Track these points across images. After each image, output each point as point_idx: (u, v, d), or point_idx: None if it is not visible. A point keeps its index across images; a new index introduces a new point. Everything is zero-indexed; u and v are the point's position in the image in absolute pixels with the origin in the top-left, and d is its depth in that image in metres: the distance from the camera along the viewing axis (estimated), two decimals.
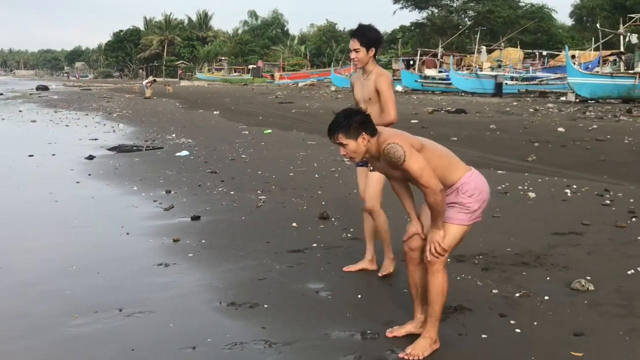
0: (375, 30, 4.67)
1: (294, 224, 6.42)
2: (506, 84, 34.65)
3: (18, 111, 25.21)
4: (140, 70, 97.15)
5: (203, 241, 5.88)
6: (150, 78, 39.10)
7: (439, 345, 3.50)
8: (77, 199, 8.03)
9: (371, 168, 4.62)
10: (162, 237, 6.06)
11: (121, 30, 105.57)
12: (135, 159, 11.50)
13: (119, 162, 11.05)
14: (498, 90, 33.19)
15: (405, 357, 3.42)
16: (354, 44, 4.58)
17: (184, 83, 69.11)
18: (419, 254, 3.57)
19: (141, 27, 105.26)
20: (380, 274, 4.85)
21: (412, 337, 3.60)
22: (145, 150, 12.73)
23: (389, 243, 4.91)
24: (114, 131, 16.90)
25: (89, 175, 9.67)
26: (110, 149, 12.68)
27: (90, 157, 11.41)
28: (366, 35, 4.59)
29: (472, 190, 3.40)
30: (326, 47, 77.10)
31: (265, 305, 4.22)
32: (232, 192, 8.19)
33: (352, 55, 4.62)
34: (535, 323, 3.83)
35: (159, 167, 10.43)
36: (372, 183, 4.76)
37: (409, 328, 3.71)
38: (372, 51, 4.60)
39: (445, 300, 3.50)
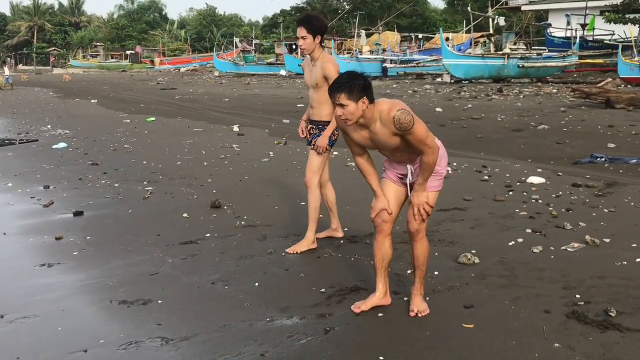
0: (320, 18, 4.92)
1: (185, 215, 6.27)
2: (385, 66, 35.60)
3: None
4: (9, 59, 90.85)
5: (88, 238, 5.60)
6: (6, 68, 36.47)
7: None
8: None
9: (312, 146, 4.94)
10: (42, 235, 5.71)
11: None
12: (7, 153, 10.76)
13: None
14: (384, 72, 34.19)
15: (418, 315, 3.73)
16: (301, 31, 4.75)
17: (57, 71, 65.50)
18: (390, 226, 3.77)
19: (7, 12, 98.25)
20: (287, 250, 5.04)
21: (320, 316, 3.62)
22: (19, 143, 11.97)
23: (314, 222, 5.08)
24: None
25: None
26: None
27: None
28: (313, 23, 4.76)
29: (440, 157, 3.61)
30: (207, 31, 75.65)
31: (160, 301, 4.09)
32: (116, 185, 7.86)
33: (300, 42, 4.80)
34: (427, 298, 3.97)
35: (35, 161, 9.84)
36: (314, 158, 5.02)
37: (373, 300, 3.86)
38: (318, 38, 4.77)
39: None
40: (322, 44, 4.89)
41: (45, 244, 5.47)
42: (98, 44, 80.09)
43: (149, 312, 3.93)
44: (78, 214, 6.44)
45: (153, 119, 15.72)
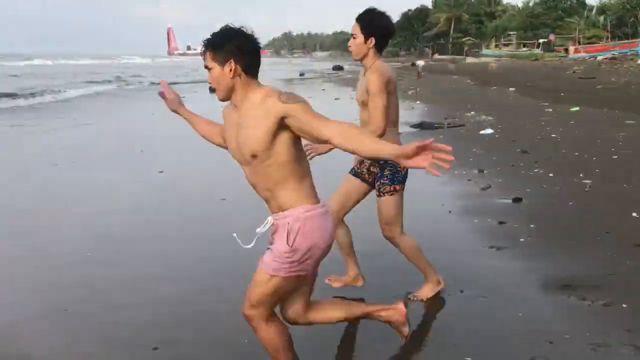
0: (386, 19, 3.76)
1: (634, 214, 5.74)
2: None
3: (321, 90, 27.26)
4: (426, 49, 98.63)
5: (532, 226, 5.55)
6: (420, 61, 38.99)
7: None
8: None
9: (379, 193, 3.84)
10: (486, 218, 5.88)
11: (409, 10, 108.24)
12: (439, 136, 11.51)
13: (423, 138, 11.12)
14: None
15: None
16: (354, 28, 3.75)
17: (469, 59, 68.33)
18: (302, 312, 2.79)
19: (429, 5, 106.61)
20: (410, 296, 4.04)
21: None
22: (447, 127, 12.71)
23: (425, 265, 4.02)
24: (412, 108, 17.23)
25: None
26: (413, 126, 12.91)
27: None
28: (371, 21, 3.71)
29: (300, 233, 2.48)
30: (630, 15, 69.49)
31: (624, 305, 3.78)
32: (550, 175, 7.68)
33: (350, 42, 3.80)
34: None
35: (464, 145, 10.27)
36: (387, 205, 3.83)
37: None
38: (372, 42, 3.71)
39: (291, 353, 2.72)
40: (380, 51, 3.74)
41: (490, 227, 5.60)
42: (511, 32, 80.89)
43: (614, 315, 3.65)
44: (517, 200, 6.46)
45: (577, 108, 15.04)
